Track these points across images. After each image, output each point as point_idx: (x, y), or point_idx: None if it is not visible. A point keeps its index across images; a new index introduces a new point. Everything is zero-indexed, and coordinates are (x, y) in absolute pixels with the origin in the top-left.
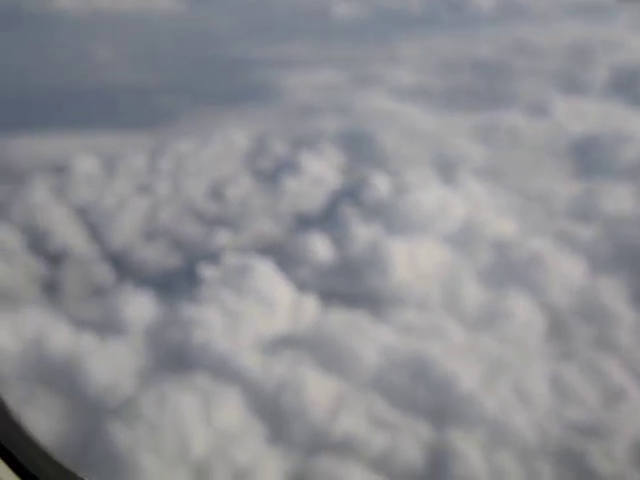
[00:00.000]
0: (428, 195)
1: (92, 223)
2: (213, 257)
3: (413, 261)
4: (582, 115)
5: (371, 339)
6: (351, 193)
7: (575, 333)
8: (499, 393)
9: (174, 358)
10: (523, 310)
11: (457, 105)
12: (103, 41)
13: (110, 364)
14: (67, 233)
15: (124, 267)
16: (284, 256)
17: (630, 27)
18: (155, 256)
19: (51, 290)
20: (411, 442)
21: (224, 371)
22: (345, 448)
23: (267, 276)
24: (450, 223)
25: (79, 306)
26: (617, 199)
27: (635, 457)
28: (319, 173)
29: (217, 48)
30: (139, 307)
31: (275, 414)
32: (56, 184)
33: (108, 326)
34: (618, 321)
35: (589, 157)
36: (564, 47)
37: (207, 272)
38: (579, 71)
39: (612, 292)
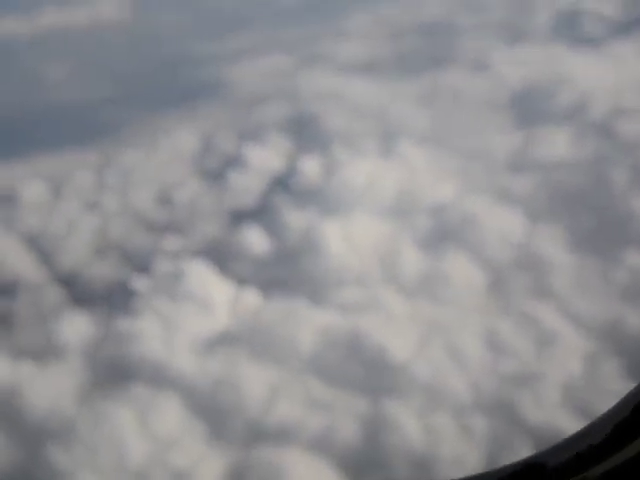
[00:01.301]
0: (366, 171)
1: (42, 249)
2: (155, 266)
3: (349, 240)
4: (523, 63)
5: (308, 323)
6: (289, 180)
7: (513, 286)
8: (434, 357)
9: (112, 373)
10: (462, 271)
11: (403, 71)
12: (49, 60)
13: (49, 389)
14: (17, 263)
15: (73, 289)
16: (226, 253)
17: None
18: (102, 273)
19: (2, 322)
20: (348, 419)
21: (161, 378)
22: (283, 435)
23: (203, 277)
24: (387, 195)
25: (26, 335)
26: (555, 145)
27: (565, 400)
28: (263, 164)
29: (164, 51)
30: (79, 328)
31: (213, 412)
32: (4, 214)
33: (50, 351)
34: (556, 267)
35: (530, 105)
36: None
37: (141, 283)
38: (521, 19)
39: (550, 239)
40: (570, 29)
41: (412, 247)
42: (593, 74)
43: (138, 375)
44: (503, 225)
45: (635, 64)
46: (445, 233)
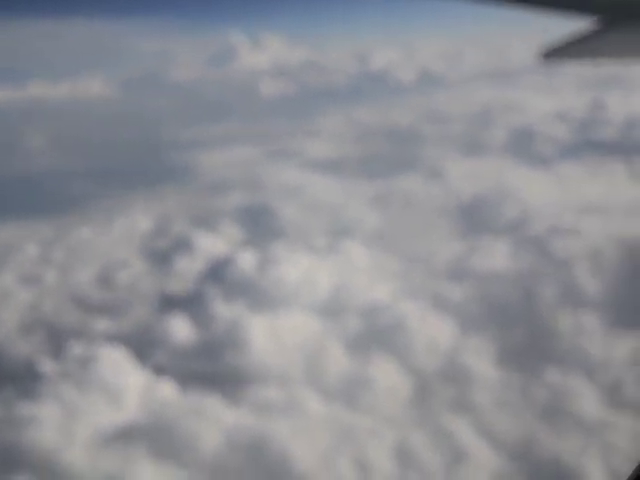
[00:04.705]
0: (305, 268)
1: None
2: (70, 348)
3: (276, 337)
4: (475, 176)
5: (219, 423)
6: (225, 271)
7: (434, 397)
8: (340, 468)
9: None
10: (387, 377)
11: (364, 173)
12: (29, 130)
13: None
14: None
15: None
16: (149, 340)
17: (533, 89)
18: (20, 351)
19: None
20: None
21: (49, 471)
22: None
23: (118, 364)
24: (322, 294)
25: None
26: (493, 257)
27: None
28: (208, 252)
29: (142, 132)
30: None
31: None
32: None
33: None
34: (479, 381)
35: (475, 216)
36: (470, 112)
37: (50, 365)
38: (479, 134)
39: (478, 353)
40: (522, 147)
41: (339, 348)
42: (538, 192)
43: (26, 466)
44: (433, 333)
45: (578, 186)
46: (375, 336)
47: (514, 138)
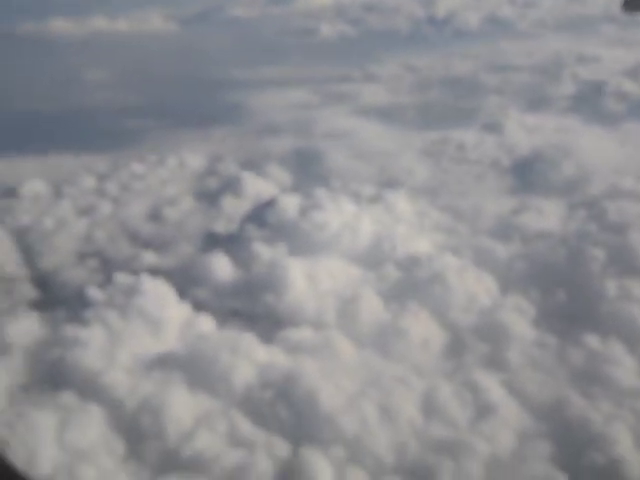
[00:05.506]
0: (349, 215)
1: (28, 245)
2: (117, 279)
3: (314, 281)
4: (536, 131)
5: (252, 359)
6: (269, 213)
7: (468, 351)
8: (366, 412)
9: (47, 377)
10: (420, 328)
11: (419, 123)
12: (90, 63)
13: None
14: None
15: (43, 289)
16: (193, 276)
17: (609, 41)
18: (74, 277)
19: None
20: (266, 460)
21: (91, 391)
22: (198, 466)
23: (160, 297)
24: (363, 242)
25: None
26: (544, 216)
27: (487, 475)
28: (255, 194)
29: (201, 69)
30: (31, 328)
31: (135, 432)
32: (2, 206)
33: None
34: (515, 340)
35: (530, 174)
36: (538, 63)
37: (99, 293)
38: (546, 87)
39: (517, 312)
40: (590, 103)
41: (375, 297)
42: (600, 152)
43: (71, 383)
44: (473, 289)
45: None
46: (413, 288)
47: (582, 93)
